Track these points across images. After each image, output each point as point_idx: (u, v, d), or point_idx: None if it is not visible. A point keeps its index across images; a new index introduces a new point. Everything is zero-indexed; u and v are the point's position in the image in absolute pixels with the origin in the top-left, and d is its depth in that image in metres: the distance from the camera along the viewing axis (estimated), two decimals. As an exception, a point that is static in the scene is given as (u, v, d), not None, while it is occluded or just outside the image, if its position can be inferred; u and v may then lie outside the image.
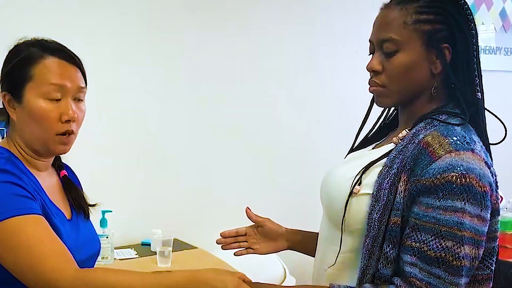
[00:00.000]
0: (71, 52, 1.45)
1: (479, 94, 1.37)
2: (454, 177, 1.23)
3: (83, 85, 1.45)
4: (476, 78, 1.37)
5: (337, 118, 3.49)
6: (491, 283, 1.36)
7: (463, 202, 1.22)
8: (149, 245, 2.85)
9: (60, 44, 1.45)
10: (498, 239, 1.37)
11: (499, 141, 1.38)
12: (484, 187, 1.24)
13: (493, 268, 1.35)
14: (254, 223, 1.67)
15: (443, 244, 1.22)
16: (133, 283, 1.25)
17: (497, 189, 1.34)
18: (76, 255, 1.35)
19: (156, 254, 2.63)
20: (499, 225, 1.36)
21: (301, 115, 3.46)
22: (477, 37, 1.38)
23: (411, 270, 1.25)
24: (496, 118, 1.40)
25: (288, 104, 3.41)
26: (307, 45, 3.45)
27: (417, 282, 1.23)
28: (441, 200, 1.23)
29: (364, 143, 1.53)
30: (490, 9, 4.06)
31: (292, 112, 3.42)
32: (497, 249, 1.37)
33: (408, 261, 1.25)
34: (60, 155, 1.55)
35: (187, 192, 3.12)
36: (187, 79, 3.09)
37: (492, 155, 1.36)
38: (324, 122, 3.51)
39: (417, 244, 1.25)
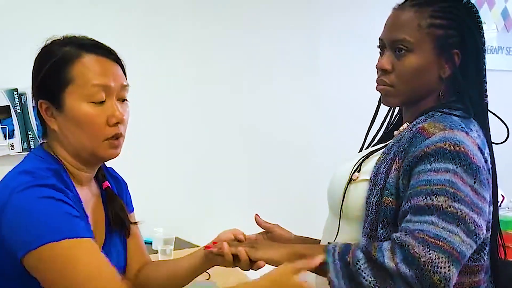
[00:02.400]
0: (108, 47, 1.33)
1: (487, 99, 1.39)
2: (447, 145, 1.22)
3: (126, 83, 1.33)
4: (485, 84, 1.38)
5: (341, 119, 3.49)
6: (483, 274, 1.34)
7: (455, 166, 1.21)
8: (151, 243, 2.85)
9: (94, 39, 1.33)
10: (492, 231, 1.34)
11: (502, 141, 1.39)
12: (478, 161, 1.24)
13: (486, 258, 1.33)
14: (263, 230, 1.67)
15: (434, 199, 1.20)
16: None
17: (496, 179, 1.34)
18: None
19: (157, 252, 2.63)
20: (491, 216, 1.33)
21: (305, 115, 3.45)
22: (485, 43, 1.39)
23: (403, 225, 1.22)
24: (498, 119, 1.41)
25: (292, 104, 3.40)
26: (311, 44, 3.45)
27: (410, 232, 1.19)
28: (433, 163, 1.22)
29: (373, 146, 1.54)
30: (492, 9, 4.05)
31: (296, 112, 3.42)
32: (490, 240, 1.35)
33: (402, 225, 1.23)
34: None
35: (188, 191, 3.12)
36: (188, 77, 3.08)
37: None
38: (328, 122, 3.51)
39: (409, 206, 1.23)
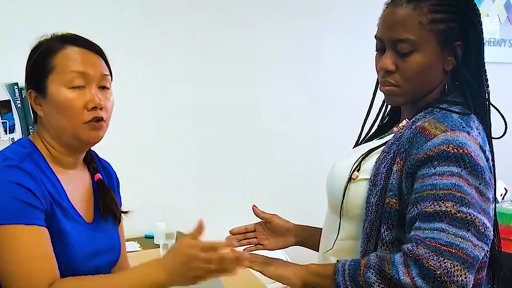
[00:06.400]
0: (90, 40, 1.43)
1: (489, 89, 1.38)
2: (450, 147, 1.22)
3: (106, 72, 1.42)
4: (485, 74, 1.38)
5: (342, 114, 3.47)
6: (485, 270, 1.34)
7: (460, 169, 1.20)
8: (153, 238, 2.86)
9: (79, 35, 1.43)
10: (493, 227, 1.32)
11: (500, 135, 1.38)
12: (481, 162, 1.23)
13: (488, 255, 1.33)
14: (262, 220, 1.66)
15: (442, 205, 1.18)
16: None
17: (495, 176, 1.33)
18: (90, 260, 1.35)
19: (159, 247, 2.64)
20: (493, 212, 1.32)
21: (306, 111, 3.44)
22: (483, 32, 1.38)
23: (413, 233, 1.21)
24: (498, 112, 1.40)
25: (294, 100, 3.39)
26: (314, 40, 3.44)
27: (421, 242, 1.18)
28: (437, 167, 1.21)
29: (370, 138, 1.53)
30: (495, 1, 4.03)
31: (297, 108, 3.41)
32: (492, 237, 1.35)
33: (411, 232, 1.21)
34: (94, 148, 1.49)
35: (190, 185, 3.12)
36: (190, 75, 3.08)
37: (494, 148, 1.36)
38: (329, 118, 3.50)
39: (416, 212, 1.21)
